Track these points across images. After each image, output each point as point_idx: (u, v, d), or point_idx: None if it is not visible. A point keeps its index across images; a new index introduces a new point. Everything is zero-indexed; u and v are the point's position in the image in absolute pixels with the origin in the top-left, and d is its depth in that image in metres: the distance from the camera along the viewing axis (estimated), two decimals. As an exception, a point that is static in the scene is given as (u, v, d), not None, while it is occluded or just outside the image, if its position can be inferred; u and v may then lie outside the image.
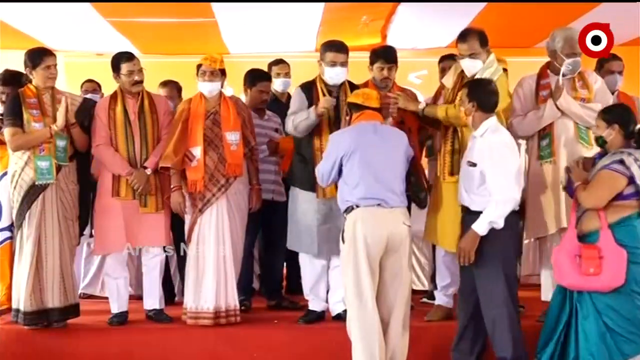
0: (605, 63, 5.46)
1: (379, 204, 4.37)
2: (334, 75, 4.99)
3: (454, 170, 4.82)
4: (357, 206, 4.39)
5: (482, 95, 4.51)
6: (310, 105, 5.01)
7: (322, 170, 4.59)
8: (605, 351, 4.09)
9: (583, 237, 4.18)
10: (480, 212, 4.33)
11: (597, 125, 4.31)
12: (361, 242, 4.35)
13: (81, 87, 6.76)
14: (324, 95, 5.02)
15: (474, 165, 4.40)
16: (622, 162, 4.10)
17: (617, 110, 4.40)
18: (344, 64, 5.00)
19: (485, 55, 4.89)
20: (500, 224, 4.29)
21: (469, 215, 4.42)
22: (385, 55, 5.37)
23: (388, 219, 4.39)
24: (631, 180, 4.07)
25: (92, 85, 6.70)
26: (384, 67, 5.32)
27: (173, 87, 6.31)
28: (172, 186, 5.11)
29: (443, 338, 4.76)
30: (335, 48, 5.01)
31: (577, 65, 4.95)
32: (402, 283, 4.44)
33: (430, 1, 6.65)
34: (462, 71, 4.96)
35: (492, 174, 4.32)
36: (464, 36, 4.91)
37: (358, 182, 4.41)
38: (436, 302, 5.22)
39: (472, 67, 4.88)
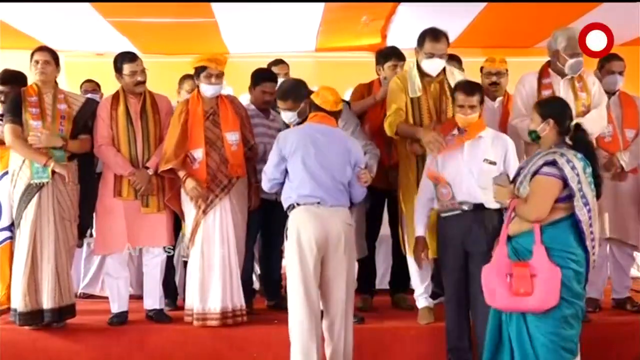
0: (606, 63, 5.45)
1: (318, 202, 4.43)
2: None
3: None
4: (298, 204, 4.46)
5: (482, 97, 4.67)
6: None
7: (266, 169, 4.62)
8: None
9: (512, 239, 3.96)
10: (492, 210, 4.42)
11: (532, 118, 4.15)
12: (305, 240, 4.40)
13: (80, 87, 6.76)
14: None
15: (494, 163, 4.48)
16: (554, 163, 3.89)
17: (554, 104, 4.22)
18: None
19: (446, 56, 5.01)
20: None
21: (480, 212, 4.46)
22: (396, 54, 5.46)
23: (326, 218, 4.43)
24: (565, 182, 3.85)
25: (92, 85, 6.70)
26: (397, 64, 5.40)
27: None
28: (181, 177, 5.05)
29: (441, 337, 4.77)
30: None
31: (580, 66, 4.96)
32: (343, 282, 4.49)
33: (430, 1, 6.64)
34: (423, 75, 4.97)
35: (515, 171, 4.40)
36: (437, 36, 4.92)
37: (297, 181, 4.47)
38: (425, 305, 5.15)
39: (438, 67, 4.95)
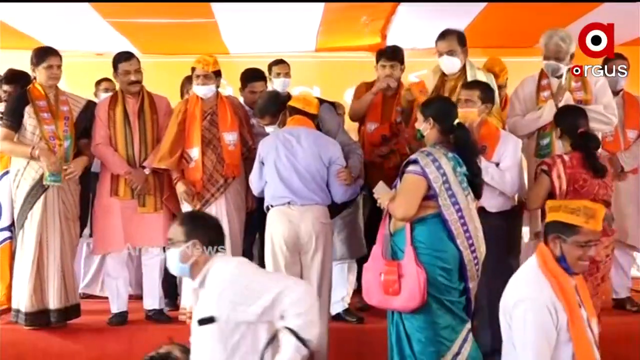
0: (608, 62, 5.45)
1: (288, 202, 4.57)
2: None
3: None
4: (272, 206, 4.63)
5: (494, 97, 4.76)
6: None
7: (251, 177, 4.86)
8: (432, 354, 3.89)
9: (392, 237, 3.99)
10: (495, 213, 4.48)
11: (417, 117, 4.18)
12: (276, 240, 4.58)
13: (98, 84, 6.64)
14: None
15: (497, 164, 4.54)
16: (417, 162, 3.91)
17: (435, 103, 4.21)
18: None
19: (463, 55, 4.97)
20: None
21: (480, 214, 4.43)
22: (387, 54, 5.45)
23: (297, 217, 4.58)
24: (428, 181, 3.86)
25: (111, 85, 6.56)
26: (386, 65, 5.41)
27: None
28: (173, 178, 5.10)
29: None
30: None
31: (552, 68, 4.97)
32: (315, 280, 4.60)
33: (430, 1, 6.64)
34: (443, 74, 5.02)
35: (515, 171, 4.54)
36: (443, 35, 4.99)
37: (269, 183, 4.65)
38: None
39: (450, 65, 4.96)
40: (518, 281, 3.39)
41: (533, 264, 3.32)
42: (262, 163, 4.70)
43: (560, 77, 5.00)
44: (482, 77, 5.02)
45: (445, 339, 3.87)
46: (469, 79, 4.95)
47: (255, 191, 4.85)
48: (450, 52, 4.93)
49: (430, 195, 3.88)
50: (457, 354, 3.90)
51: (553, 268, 3.26)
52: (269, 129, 4.94)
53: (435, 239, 3.87)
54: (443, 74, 5.04)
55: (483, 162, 4.46)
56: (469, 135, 4.14)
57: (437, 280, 3.86)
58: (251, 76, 5.81)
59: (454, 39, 4.95)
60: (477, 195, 4.04)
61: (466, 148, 4.01)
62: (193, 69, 5.17)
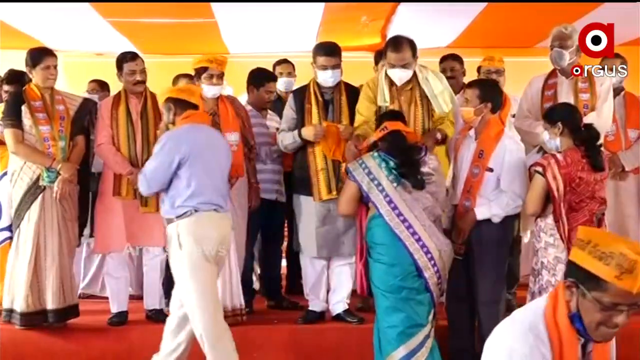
0: (607, 62, 5.44)
1: (214, 209, 4.34)
2: (327, 79, 4.99)
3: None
4: (196, 210, 4.27)
5: (496, 96, 4.60)
6: (301, 111, 5.05)
7: (150, 172, 4.34)
8: (378, 350, 4.36)
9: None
10: (483, 220, 4.45)
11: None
12: (207, 247, 4.28)
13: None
14: (316, 99, 5.04)
15: (490, 170, 4.46)
16: (349, 169, 4.41)
17: (384, 116, 4.58)
18: (335, 67, 4.98)
19: (414, 63, 4.81)
20: (497, 220, 4.50)
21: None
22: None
23: (220, 224, 4.38)
24: (358, 184, 4.34)
25: (93, 86, 6.59)
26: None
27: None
28: None
29: (442, 337, 4.77)
30: (325, 51, 5.01)
31: (558, 56, 4.92)
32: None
33: (430, 1, 6.65)
34: (392, 83, 4.82)
35: (517, 180, 4.46)
36: (396, 47, 4.75)
37: (197, 188, 4.28)
38: None
39: (404, 77, 4.79)
40: (511, 326, 2.37)
41: (539, 309, 2.34)
42: (179, 163, 4.26)
43: (564, 72, 4.98)
44: (433, 79, 4.87)
45: (388, 339, 4.24)
46: (421, 83, 4.82)
47: (153, 189, 4.42)
48: (405, 65, 4.74)
49: (366, 197, 4.33)
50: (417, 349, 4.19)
51: (561, 322, 2.28)
52: (330, 74, 4.94)
53: (379, 236, 4.30)
54: (392, 83, 4.82)
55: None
56: (396, 138, 4.38)
57: (386, 277, 4.28)
58: (268, 76, 5.79)
59: (407, 51, 4.73)
60: (415, 185, 4.29)
61: (392, 148, 4.35)
62: (205, 69, 5.10)
